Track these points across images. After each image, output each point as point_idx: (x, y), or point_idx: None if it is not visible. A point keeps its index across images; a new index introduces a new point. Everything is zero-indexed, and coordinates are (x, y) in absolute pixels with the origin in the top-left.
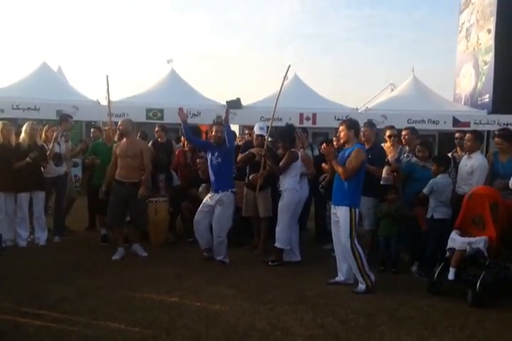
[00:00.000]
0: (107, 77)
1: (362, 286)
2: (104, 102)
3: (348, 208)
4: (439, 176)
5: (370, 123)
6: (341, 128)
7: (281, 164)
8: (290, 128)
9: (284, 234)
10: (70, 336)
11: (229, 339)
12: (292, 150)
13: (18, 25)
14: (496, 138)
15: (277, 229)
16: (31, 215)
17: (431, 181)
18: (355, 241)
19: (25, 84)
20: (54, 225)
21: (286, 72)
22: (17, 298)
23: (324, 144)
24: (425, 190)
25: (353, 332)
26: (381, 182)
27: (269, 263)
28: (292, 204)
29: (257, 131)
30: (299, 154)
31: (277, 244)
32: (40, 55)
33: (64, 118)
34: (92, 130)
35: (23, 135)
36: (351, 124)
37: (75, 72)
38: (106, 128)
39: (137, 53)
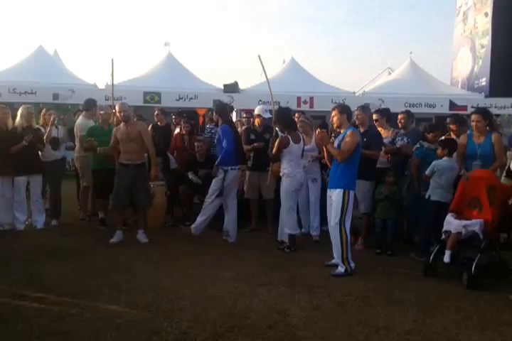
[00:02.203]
0: (112, 60)
1: (341, 269)
2: (101, 86)
3: (341, 190)
4: (443, 159)
5: (362, 107)
6: (333, 113)
7: (273, 151)
8: (284, 110)
9: (288, 220)
10: (68, 318)
11: (226, 322)
12: (283, 135)
13: (14, 8)
14: (473, 115)
15: (282, 215)
16: (28, 199)
17: (433, 162)
18: (346, 225)
19: (22, 67)
20: (51, 209)
21: (261, 63)
22: (15, 281)
23: (318, 129)
24: (427, 172)
25: (349, 313)
26: (377, 165)
27: (285, 250)
28: (291, 190)
29: (262, 113)
30: (312, 138)
31: (286, 230)
32: (36, 39)
33: (93, 103)
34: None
35: (18, 118)
36: (343, 109)
37: (72, 55)
38: (101, 112)
39: (134, 36)
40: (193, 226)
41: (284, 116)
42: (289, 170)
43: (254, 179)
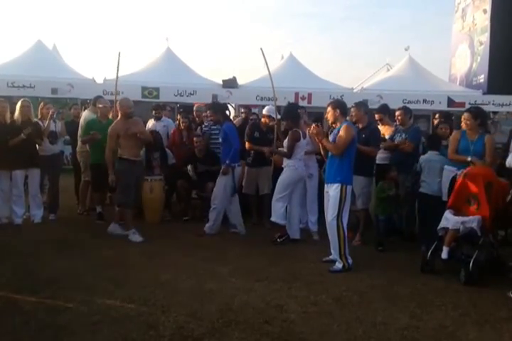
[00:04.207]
0: (119, 54)
1: (338, 265)
2: (99, 80)
3: (339, 185)
4: (428, 153)
5: (357, 104)
6: (328, 109)
7: (286, 147)
8: (292, 106)
9: (276, 208)
10: (65, 312)
11: (224, 316)
12: (294, 129)
13: (13, 2)
14: (463, 114)
15: (273, 203)
16: (26, 193)
17: (419, 158)
18: (342, 220)
19: (21, 61)
20: (49, 203)
21: (263, 56)
22: (12, 274)
23: (313, 125)
24: (417, 168)
25: (347, 309)
26: (377, 162)
27: (278, 240)
28: (288, 181)
29: (272, 114)
30: (306, 133)
31: (272, 218)
32: (35, 33)
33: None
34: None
35: (16, 112)
36: (336, 104)
37: (70, 49)
38: (100, 106)
39: (133, 31)
40: (206, 227)
41: (292, 112)
42: (293, 162)
43: (253, 175)
